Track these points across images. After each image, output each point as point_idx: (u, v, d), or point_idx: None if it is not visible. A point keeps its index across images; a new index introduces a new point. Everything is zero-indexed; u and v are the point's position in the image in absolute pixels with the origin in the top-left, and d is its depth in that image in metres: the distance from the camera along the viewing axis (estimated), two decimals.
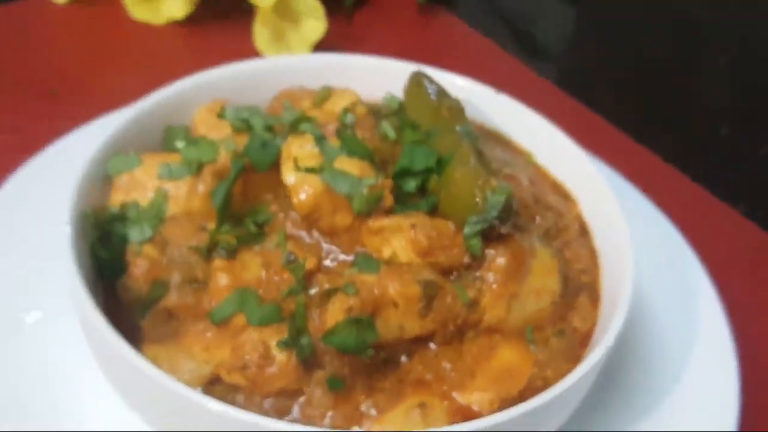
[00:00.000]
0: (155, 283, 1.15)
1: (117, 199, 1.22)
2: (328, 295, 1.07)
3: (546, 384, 1.11)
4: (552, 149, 1.34)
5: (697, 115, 1.88)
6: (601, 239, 1.25)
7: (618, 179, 1.52)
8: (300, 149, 1.13)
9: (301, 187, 1.10)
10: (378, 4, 2.01)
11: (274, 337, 1.05)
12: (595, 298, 1.22)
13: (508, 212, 1.11)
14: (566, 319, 1.18)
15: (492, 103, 1.37)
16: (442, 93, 1.26)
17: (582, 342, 1.17)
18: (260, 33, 1.77)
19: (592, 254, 1.26)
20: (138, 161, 1.23)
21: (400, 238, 1.11)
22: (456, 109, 1.24)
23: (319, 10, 1.79)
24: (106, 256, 1.17)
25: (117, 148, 1.23)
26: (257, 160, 1.13)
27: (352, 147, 1.14)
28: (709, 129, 1.83)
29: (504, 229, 1.12)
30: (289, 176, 1.11)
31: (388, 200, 1.12)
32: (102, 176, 1.21)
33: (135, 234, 1.18)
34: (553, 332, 1.16)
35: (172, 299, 1.12)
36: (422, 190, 1.16)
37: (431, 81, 1.27)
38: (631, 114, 1.84)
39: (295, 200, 1.11)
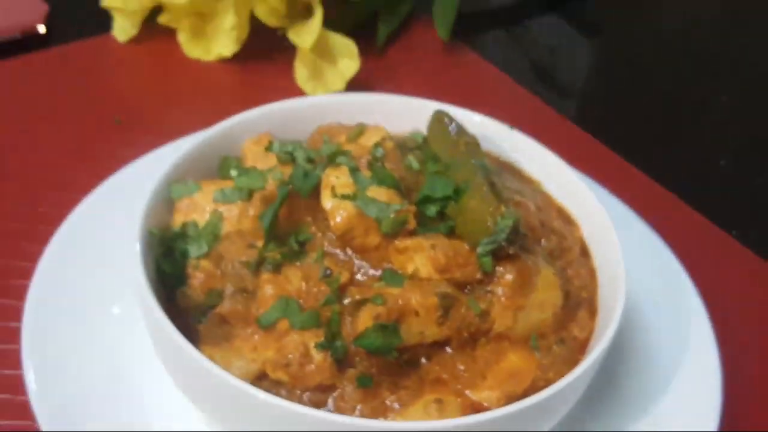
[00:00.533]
0: (211, 292, 1.32)
1: (178, 219, 1.40)
2: (359, 304, 1.24)
3: (548, 385, 1.27)
4: (558, 179, 1.51)
5: (699, 148, 2.04)
6: (599, 260, 1.43)
7: (620, 206, 1.69)
8: (337, 179, 1.31)
9: (337, 211, 1.28)
10: (406, 42, 2.18)
11: (312, 339, 1.22)
12: (593, 312, 1.38)
13: (515, 235, 1.28)
14: (566, 328, 1.34)
15: (506, 137, 1.55)
16: (460, 130, 1.44)
17: (580, 349, 1.33)
18: (300, 70, 1.95)
19: (592, 273, 1.42)
20: (197, 187, 1.41)
21: (422, 257, 1.28)
22: (472, 144, 1.42)
23: (353, 50, 1.96)
24: (168, 270, 1.35)
25: (179, 175, 1.42)
26: (300, 187, 1.31)
27: (381, 178, 1.32)
28: (710, 160, 1.99)
29: (512, 250, 1.29)
30: (328, 202, 1.29)
31: (412, 223, 1.30)
32: (166, 199, 1.40)
33: (194, 250, 1.37)
34: (555, 340, 1.32)
35: (225, 307, 1.30)
36: (441, 215, 1.33)
37: (450, 119, 1.45)
38: (638, 145, 2.01)
39: (332, 222, 1.28)
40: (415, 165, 1.39)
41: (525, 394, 1.25)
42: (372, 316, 1.22)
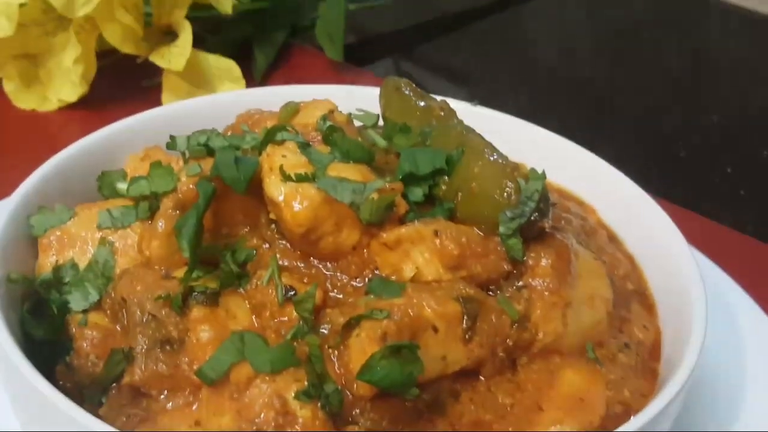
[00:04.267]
0: (112, 356, 0.90)
1: (46, 262, 0.97)
2: (348, 328, 0.84)
3: (627, 407, 0.91)
4: (550, 155, 1.16)
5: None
6: (639, 246, 1.07)
7: None
8: (284, 159, 0.90)
9: (294, 198, 0.88)
10: (288, 70, 1.81)
11: (290, 387, 0.81)
12: (648, 306, 1.03)
13: (545, 202, 0.91)
14: (624, 331, 0.98)
15: (469, 114, 1.18)
16: (423, 96, 1.07)
17: (652, 355, 0.97)
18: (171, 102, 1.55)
19: (630, 260, 1.07)
20: (69, 213, 0.99)
21: (423, 250, 0.90)
22: (447, 109, 1.05)
23: (235, 71, 1.59)
24: (41, 335, 0.93)
25: (39, 204, 0.99)
26: (233, 179, 0.89)
27: (346, 149, 0.93)
28: None
29: (546, 224, 0.92)
30: (277, 188, 0.88)
31: (402, 206, 0.91)
32: (25, 238, 0.97)
33: (77, 300, 0.95)
34: (617, 347, 0.95)
35: (137, 372, 0.89)
36: (431, 199, 0.95)
37: (408, 85, 1.08)
38: None
39: (288, 216, 0.87)
40: (380, 141, 1.00)
41: (603, 426, 0.87)
42: (377, 336, 0.83)
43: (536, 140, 1.18)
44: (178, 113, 1.15)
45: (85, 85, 1.59)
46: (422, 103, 1.05)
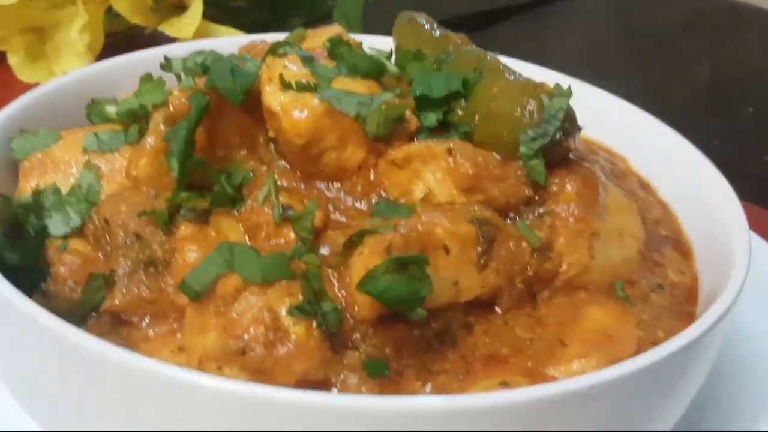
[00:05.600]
0: (91, 281, 0.82)
1: (27, 187, 0.89)
2: (349, 246, 0.75)
3: None
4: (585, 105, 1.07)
5: None
6: (674, 193, 0.98)
7: None
8: (285, 69, 0.83)
9: (294, 106, 0.80)
10: None
11: (283, 301, 0.72)
12: (684, 252, 0.93)
13: (571, 122, 0.83)
14: (657, 273, 0.88)
15: None
16: (441, 27, 0.99)
17: (688, 298, 0.87)
18: None
19: (663, 207, 0.98)
20: (54, 137, 0.92)
21: (435, 169, 0.81)
22: (465, 40, 0.97)
23: None
24: (16, 260, 0.85)
25: (23, 127, 0.92)
26: (227, 88, 0.82)
27: (353, 63, 0.85)
28: None
29: (571, 144, 0.83)
30: (276, 98, 0.81)
31: (413, 122, 0.83)
32: (7, 163, 0.90)
33: (56, 225, 0.87)
34: (649, 287, 0.86)
35: (118, 296, 0.81)
36: (445, 125, 0.87)
37: (424, 17, 1.00)
38: None
39: (287, 125, 0.80)
40: (393, 68, 0.92)
41: None
42: (381, 248, 0.73)
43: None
44: (177, 54, 1.08)
45: (90, 57, 1.52)
46: (438, 33, 0.97)
